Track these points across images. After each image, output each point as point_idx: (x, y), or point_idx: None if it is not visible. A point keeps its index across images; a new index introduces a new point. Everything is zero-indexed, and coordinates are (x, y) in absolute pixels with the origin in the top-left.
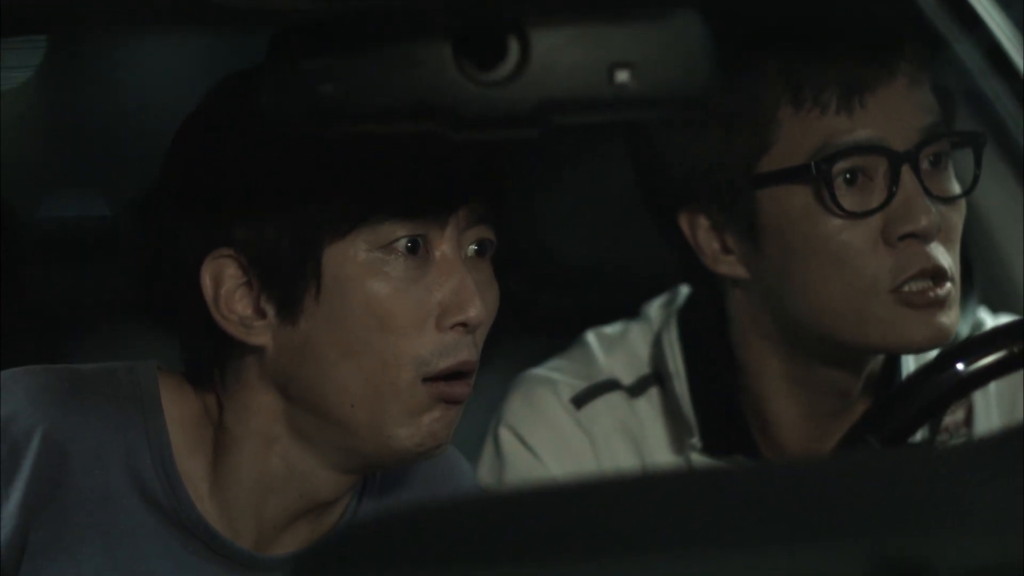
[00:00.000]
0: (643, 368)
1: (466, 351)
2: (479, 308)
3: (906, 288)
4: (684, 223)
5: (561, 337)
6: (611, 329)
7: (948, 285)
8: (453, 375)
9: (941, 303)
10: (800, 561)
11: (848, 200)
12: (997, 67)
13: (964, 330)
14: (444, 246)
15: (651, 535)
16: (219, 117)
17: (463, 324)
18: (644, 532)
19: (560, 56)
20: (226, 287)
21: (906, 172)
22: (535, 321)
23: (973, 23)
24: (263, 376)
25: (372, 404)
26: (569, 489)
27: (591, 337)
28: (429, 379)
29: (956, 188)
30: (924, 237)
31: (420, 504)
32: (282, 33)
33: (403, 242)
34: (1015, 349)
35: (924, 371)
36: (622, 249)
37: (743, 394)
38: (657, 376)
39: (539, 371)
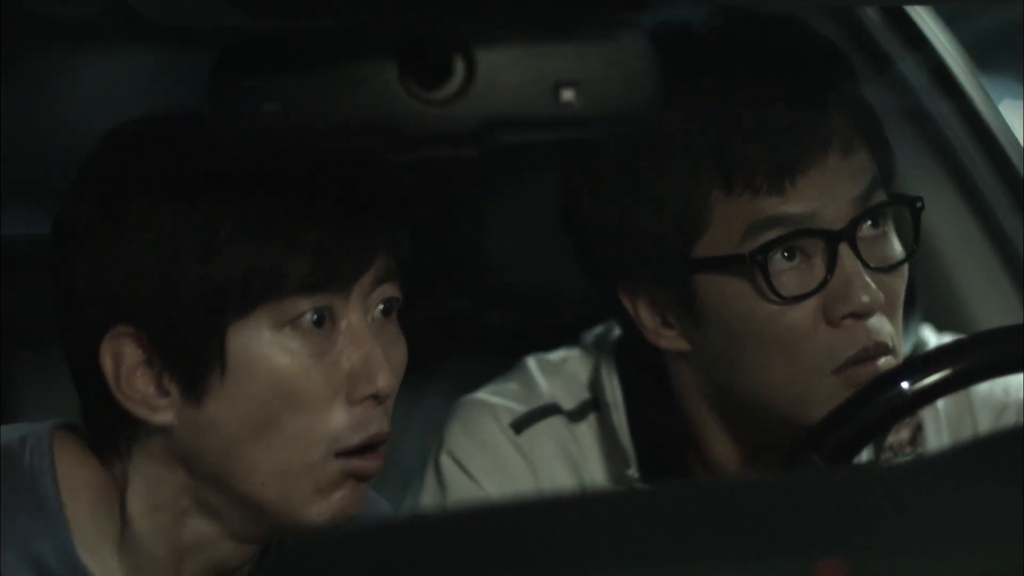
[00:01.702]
0: (583, 394)
1: (377, 423)
2: (389, 378)
3: (849, 370)
4: (624, 298)
5: (506, 356)
6: (552, 355)
7: (889, 358)
8: (365, 447)
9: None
10: None
11: (786, 282)
12: (941, 85)
13: (907, 348)
14: (350, 315)
15: (593, 552)
16: (111, 185)
17: (374, 396)
18: (586, 550)
19: (505, 74)
20: (126, 365)
21: (844, 249)
22: (479, 341)
23: (918, 41)
24: (168, 451)
25: (283, 482)
26: (507, 509)
27: (531, 362)
28: (341, 454)
29: (897, 252)
30: (864, 315)
31: (362, 526)
32: (226, 51)
33: (308, 316)
34: (959, 368)
35: (868, 390)
36: (567, 268)
37: (681, 428)
38: (596, 403)
39: (479, 396)
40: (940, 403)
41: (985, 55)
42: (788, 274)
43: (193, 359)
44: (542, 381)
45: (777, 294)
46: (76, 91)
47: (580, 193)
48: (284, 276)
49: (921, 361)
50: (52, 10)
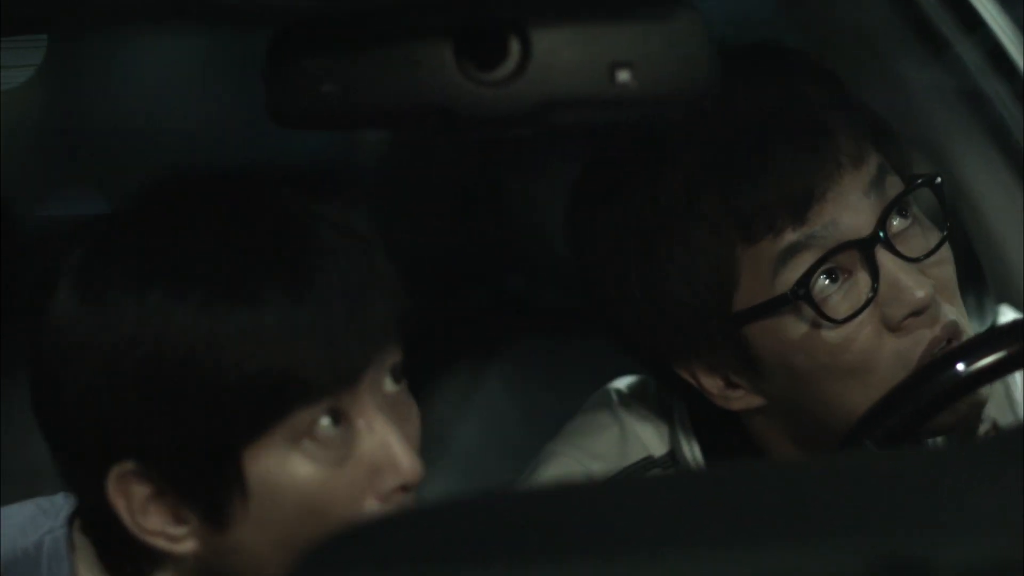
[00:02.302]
0: (665, 442)
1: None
2: (413, 464)
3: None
4: (682, 372)
5: (562, 337)
6: (632, 389)
7: (961, 336)
8: None
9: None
10: (797, 561)
11: (836, 306)
12: (997, 67)
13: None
14: (364, 407)
15: (647, 534)
16: (93, 330)
17: (403, 488)
18: (641, 530)
19: (561, 55)
20: (138, 501)
21: (881, 252)
22: (535, 321)
23: (974, 23)
24: (194, 569)
25: None
26: (557, 492)
27: (615, 398)
28: None
29: (934, 237)
30: (924, 311)
31: (414, 508)
32: (283, 32)
33: (323, 422)
34: (1014, 349)
35: (923, 372)
36: None
37: None
38: (674, 457)
39: (567, 451)
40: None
41: None
42: (835, 297)
43: (209, 490)
44: (633, 424)
45: (831, 320)
46: (131, 74)
47: (605, 286)
48: (294, 390)
49: (974, 343)
50: None
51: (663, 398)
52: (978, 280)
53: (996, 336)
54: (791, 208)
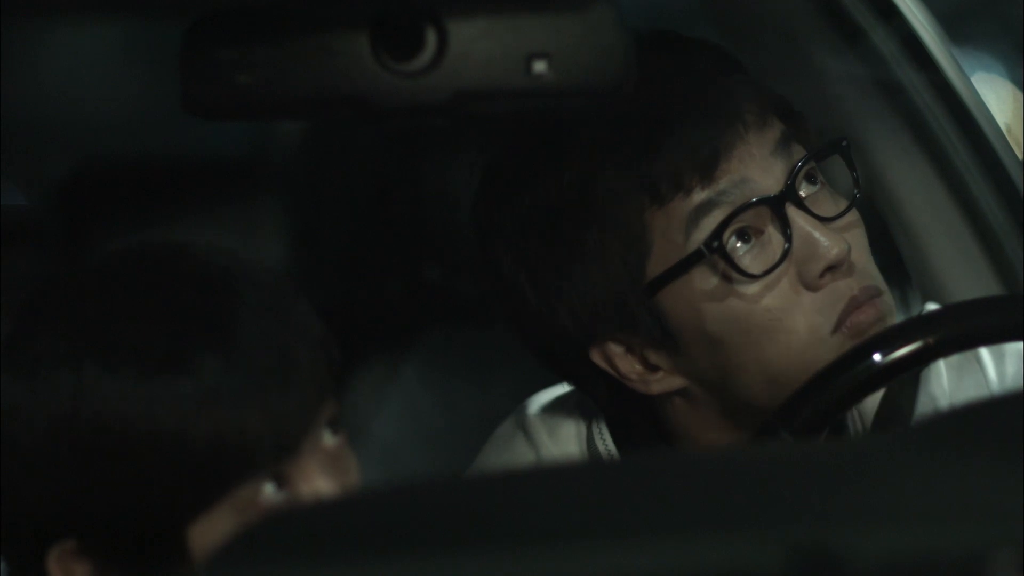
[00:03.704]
0: (584, 452)
1: None
2: None
3: (848, 320)
4: (598, 359)
5: (481, 327)
6: (551, 402)
7: (884, 297)
8: None
9: (884, 317)
10: (714, 552)
11: (751, 264)
12: (914, 56)
13: None
14: (307, 473)
15: (563, 524)
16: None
17: None
18: (557, 521)
19: (477, 46)
20: None
21: (792, 210)
22: (453, 311)
23: (890, 12)
24: None
25: None
26: (475, 483)
27: (532, 415)
28: None
29: (844, 202)
30: (840, 265)
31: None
32: (198, 22)
33: (268, 489)
34: (931, 339)
35: (839, 363)
36: None
37: None
38: None
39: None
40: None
41: (957, 28)
42: (748, 255)
43: (154, 568)
44: (545, 440)
45: (748, 273)
46: (46, 65)
47: (514, 278)
48: (235, 460)
49: (891, 333)
50: None
51: (578, 407)
52: (900, 274)
53: (912, 326)
54: (699, 167)
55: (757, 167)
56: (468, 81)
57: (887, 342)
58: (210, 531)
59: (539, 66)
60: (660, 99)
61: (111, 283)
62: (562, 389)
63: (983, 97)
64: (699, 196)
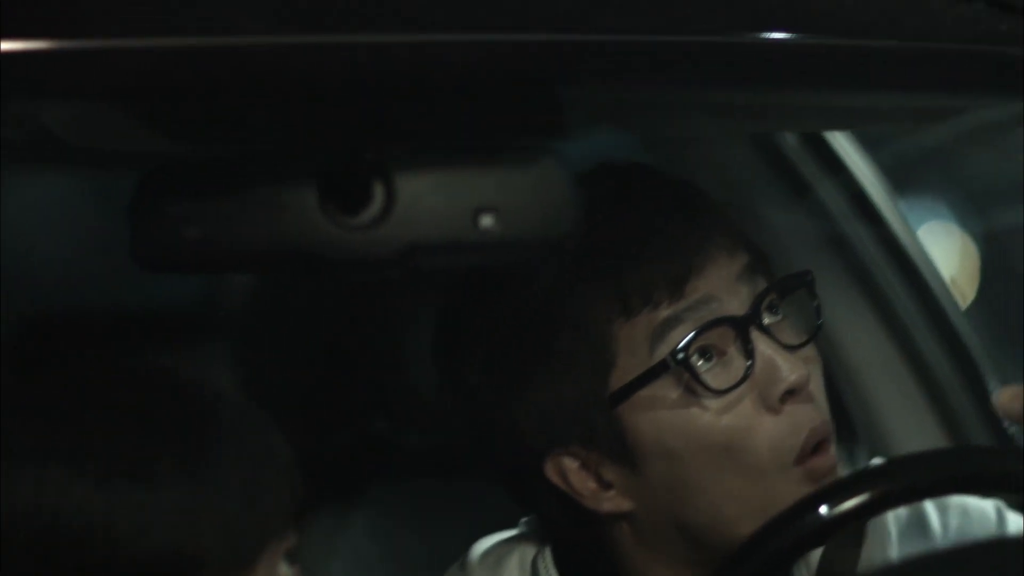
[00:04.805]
0: None
1: None
2: None
3: (808, 462)
4: (552, 473)
5: (430, 480)
6: (498, 544)
7: (833, 445)
8: None
9: (834, 469)
10: None
11: (713, 380)
12: (860, 210)
13: None
14: None
15: None
16: None
17: None
18: None
19: (425, 200)
20: None
21: (755, 333)
22: (402, 465)
23: (836, 167)
24: None
25: None
26: None
27: (474, 558)
28: None
29: (803, 333)
30: (800, 389)
31: None
32: (147, 176)
33: None
34: (876, 493)
35: (785, 515)
36: None
37: None
38: None
39: None
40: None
41: (910, 176)
42: (711, 373)
43: None
44: None
45: (710, 389)
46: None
47: (478, 386)
48: (188, 574)
49: (840, 485)
50: None
51: (523, 541)
52: (846, 427)
53: (860, 479)
54: (669, 282)
55: (724, 289)
56: (416, 235)
57: (835, 494)
58: None
59: (487, 220)
60: (636, 218)
61: (88, 387)
62: (509, 534)
63: (934, 246)
64: (667, 311)
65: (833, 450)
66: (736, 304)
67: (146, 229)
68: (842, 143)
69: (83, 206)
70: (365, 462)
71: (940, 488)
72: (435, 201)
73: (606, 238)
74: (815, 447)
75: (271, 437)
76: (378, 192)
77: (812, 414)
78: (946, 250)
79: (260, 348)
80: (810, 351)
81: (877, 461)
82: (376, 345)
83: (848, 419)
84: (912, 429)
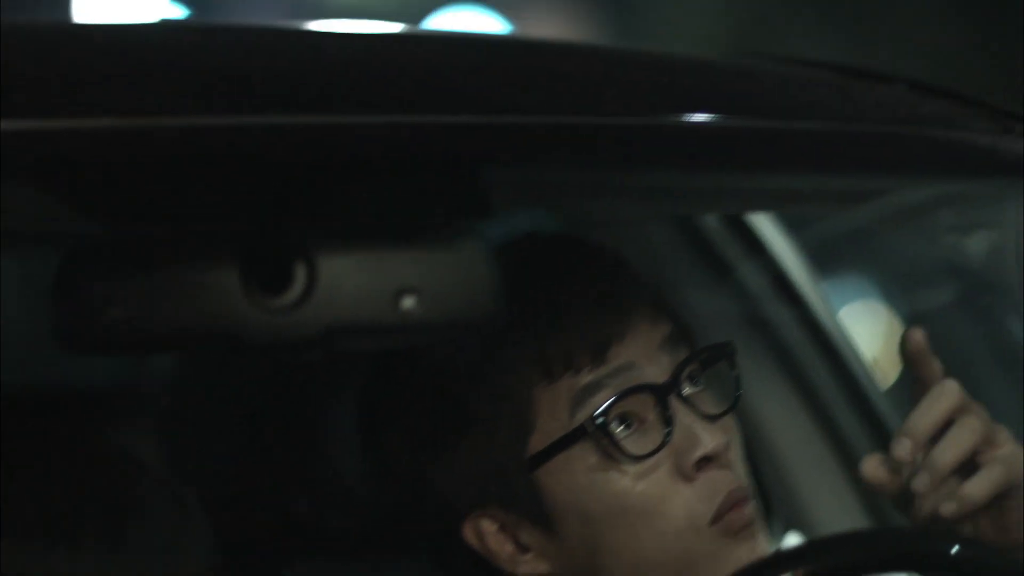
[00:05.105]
0: None
1: None
2: None
3: (725, 517)
4: (470, 535)
5: (346, 560)
6: None
7: (752, 504)
8: None
9: (752, 522)
10: None
11: (631, 447)
12: (781, 291)
13: None
14: None
15: None
16: None
17: None
18: None
19: (347, 281)
20: None
21: (675, 401)
22: (320, 544)
23: (758, 248)
24: None
25: None
26: None
27: None
28: None
29: (722, 405)
30: (717, 458)
31: None
32: (69, 256)
33: None
34: (799, 572)
35: None
36: None
37: None
38: None
39: None
40: None
41: (837, 258)
42: (630, 439)
43: None
44: None
45: (628, 455)
46: None
47: (399, 448)
48: None
49: (757, 565)
50: None
51: None
52: (764, 503)
53: (780, 558)
54: (590, 348)
55: (646, 357)
56: (338, 317)
57: (754, 573)
58: None
59: (408, 302)
60: (560, 285)
61: (14, 459)
62: None
63: (859, 326)
64: (588, 376)
65: (751, 507)
66: (657, 372)
67: (68, 310)
68: (764, 224)
69: (4, 287)
70: (285, 541)
71: (859, 568)
72: (356, 282)
73: (529, 304)
74: (731, 507)
75: (192, 514)
76: (300, 273)
77: (729, 479)
78: (871, 330)
79: (183, 425)
80: (729, 421)
81: (795, 539)
82: (298, 424)
83: (765, 494)
84: (830, 506)
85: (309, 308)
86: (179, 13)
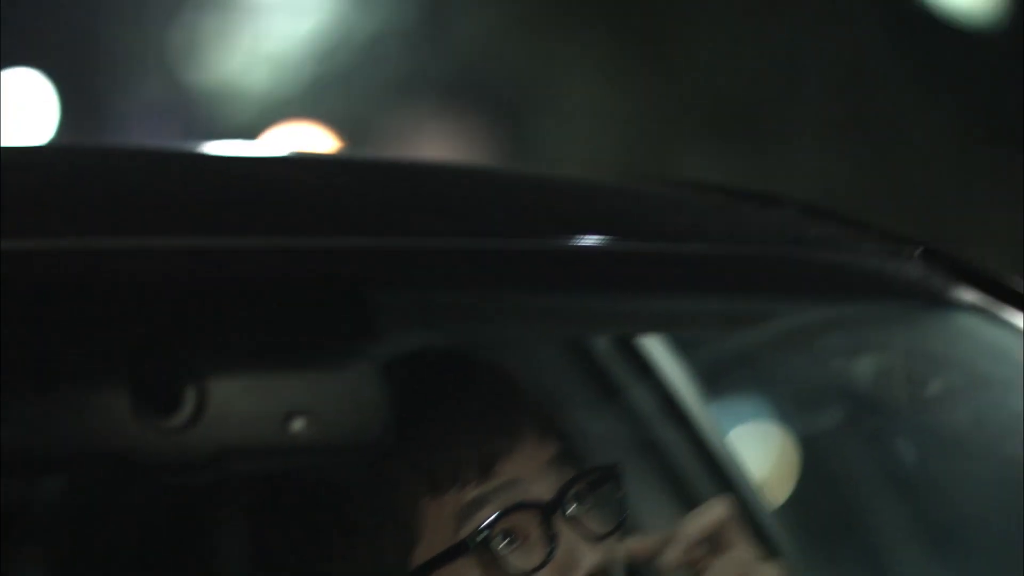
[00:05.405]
0: None
1: None
2: None
3: None
4: None
5: None
6: None
7: None
8: None
9: None
10: None
11: (513, 562)
12: (669, 414)
13: None
14: None
15: None
16: None
17: None
18: None
19: (236, 404)
20: None
21: (558, 521)
22: None
23: (646, 370)
24: None
25: None
26: None
27: None
28: None
29: (608, 525)
30: None
31: None
32: None
33: None
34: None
35: None
36: None
37: None
38: None
39: None
40: None
41: (730, 376)
42: (513, 555)
43: None
44: None
45: (509, 572)
46: None
47: (282, 556)
48: None
49: None
50: None
51: None
52: None
53: None
54: (476, 463)
55: (532, 474)
56: (227, 439)
57: None
58: None
59: (297, 424)
60: (448, 402)
61: None
62: None
63: (751, 446)
64: (473, 491)
65: None
66: (543, 490)
67: None
68: (653, 346)
69: None
70: None
71: None
72: (246, 404)
73: (417, 421)
74: None
75: None
76: (189, 395)
77: None
78: (762, 451)
79: (69, 547)
80: (614, 543)
81: None
82: (187, 546)
83: None
84: None
85: (199, 430)
86: (67, 138)
